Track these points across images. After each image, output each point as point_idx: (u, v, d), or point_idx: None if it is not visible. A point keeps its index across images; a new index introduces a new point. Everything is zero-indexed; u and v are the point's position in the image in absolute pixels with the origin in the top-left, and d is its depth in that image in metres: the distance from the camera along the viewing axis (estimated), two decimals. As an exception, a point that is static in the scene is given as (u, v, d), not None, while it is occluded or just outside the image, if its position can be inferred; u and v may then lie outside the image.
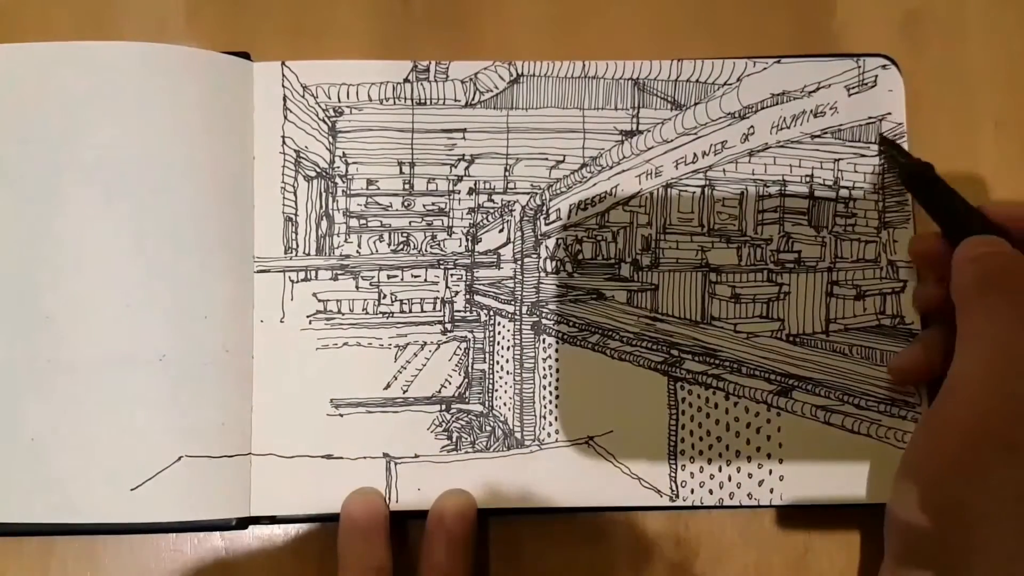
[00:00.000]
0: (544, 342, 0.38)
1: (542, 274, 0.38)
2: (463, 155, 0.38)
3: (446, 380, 0.37)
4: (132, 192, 0.36)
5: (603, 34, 0.40)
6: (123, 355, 0.35)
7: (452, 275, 0.38)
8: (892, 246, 0.38)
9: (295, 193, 0.38)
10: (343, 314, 0.37)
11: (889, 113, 0.39)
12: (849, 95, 0.39)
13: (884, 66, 0.39)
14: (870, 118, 0.39)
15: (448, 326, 0.38)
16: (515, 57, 0.39)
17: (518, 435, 0.37)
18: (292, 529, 0.37)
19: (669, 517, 0.37)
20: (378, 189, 0.38)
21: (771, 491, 0.36)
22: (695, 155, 0.39)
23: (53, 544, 0.36)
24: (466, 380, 0.37)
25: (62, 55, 0.36)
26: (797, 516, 0.38)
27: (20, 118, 0.36)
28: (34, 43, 0.37)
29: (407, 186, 0.38)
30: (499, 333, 0.38)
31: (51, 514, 0.34)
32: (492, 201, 0.38)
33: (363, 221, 0.38)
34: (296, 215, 0.37)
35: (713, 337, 0.38)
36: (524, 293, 0.38)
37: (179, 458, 0.35)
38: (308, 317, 0.37)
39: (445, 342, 0.37)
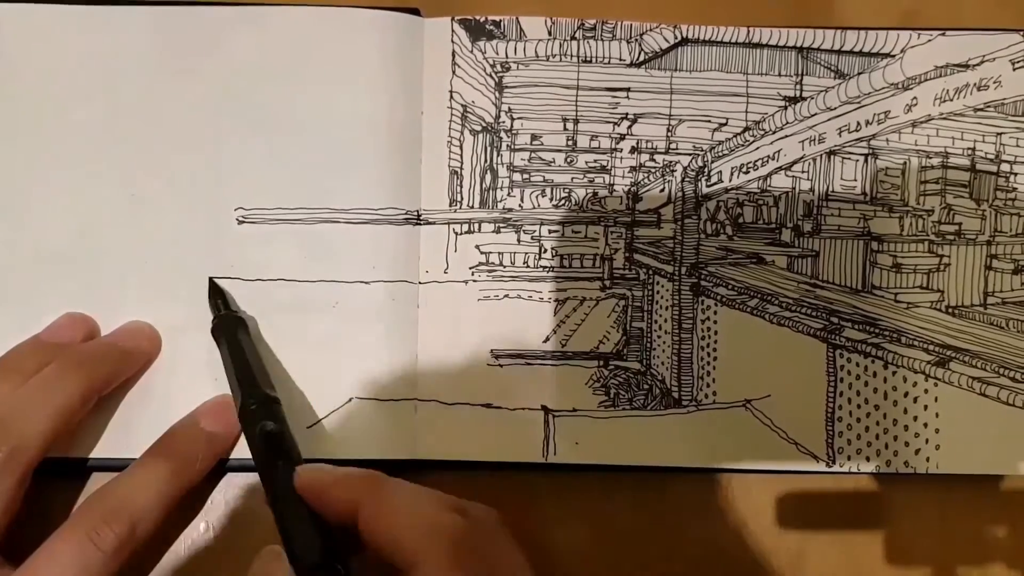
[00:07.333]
0: (703, 303, 0.38)
1: (702, 236, 0.38)
2: (626, 114, 0.38)
3: (604, 336, 0.38)
4: (301, 145, 0.36)
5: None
6: (300, 302, 0.36)
7: (612, 232, 0.38)
8: (1058, 221, 0.38)
9: (461, 147, 0.38)
10: (504, 267, 0.38)
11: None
12: (1014, 69, 0.39)
13: None
14: (1034, 92, 0.39)
15: (607, 283, 0.38)
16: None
17: (675, 394, 0.37)
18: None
19: (661, 518, 0.37)
20: (542, 144, 0.38)
21: (927, 460, 0.37)
22: (858, 123, 0.38)
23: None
24: (624, 337, 0.38)
25: (236, 16, 0.37)
26: (796, 516, 0.37)
27: (187, 73, 0.37)
28: (211, 5, 0.37)
29: (570, 142, 0.38)
30: (658, 292, 0.38)
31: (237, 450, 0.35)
32: (654, 161, 0.38)
33: (526, 176, 0.38)
34: (461, 168, 0.38)
35: (873, 306, 0.38)
36: (684, 254, 0.38)
37: (350, 399, 0.35)
38: (471, 269, 0.37)
39: (604, 298, 0.38)
